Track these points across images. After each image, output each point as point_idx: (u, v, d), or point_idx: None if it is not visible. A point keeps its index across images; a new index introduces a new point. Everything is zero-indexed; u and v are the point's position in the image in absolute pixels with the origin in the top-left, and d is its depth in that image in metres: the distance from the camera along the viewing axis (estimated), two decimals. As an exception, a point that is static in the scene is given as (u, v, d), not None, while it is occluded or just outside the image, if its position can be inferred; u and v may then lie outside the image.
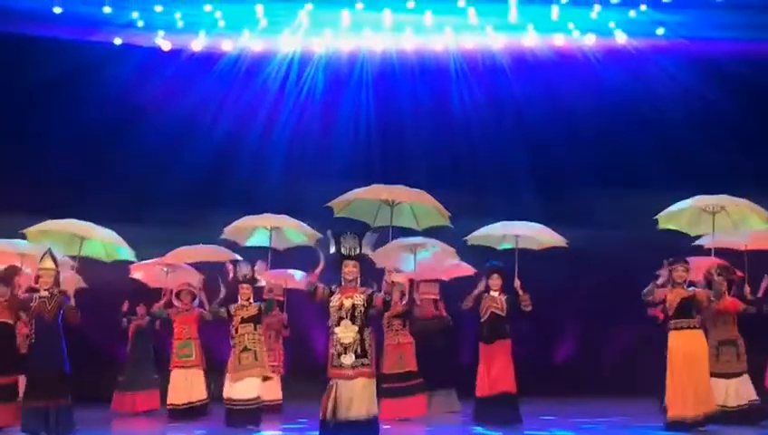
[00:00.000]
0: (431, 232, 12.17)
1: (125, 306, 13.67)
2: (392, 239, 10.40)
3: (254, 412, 11.27)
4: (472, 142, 17.30)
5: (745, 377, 11.26)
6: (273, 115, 17.57)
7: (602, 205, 16.02)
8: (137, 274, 13.54)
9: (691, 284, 10.74)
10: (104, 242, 11.78)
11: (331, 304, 9.13)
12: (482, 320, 11.68)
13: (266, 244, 12.39)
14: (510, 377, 11.57)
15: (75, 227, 11.37)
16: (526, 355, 15.33)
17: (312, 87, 17.69)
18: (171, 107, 17.05)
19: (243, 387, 11.21)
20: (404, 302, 12.10)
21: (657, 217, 11.05)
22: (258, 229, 12.52)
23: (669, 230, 11.39)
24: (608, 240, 15.10)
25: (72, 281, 11.30)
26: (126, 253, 11.97)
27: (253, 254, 12.17)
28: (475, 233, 12.03)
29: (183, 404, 12.60)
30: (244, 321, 11.31)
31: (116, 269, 12.74)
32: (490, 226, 12.07)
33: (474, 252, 12.60)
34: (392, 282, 9.23)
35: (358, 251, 9.09)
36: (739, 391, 11.14)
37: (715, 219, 10.90)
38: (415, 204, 10.89)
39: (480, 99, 17.53)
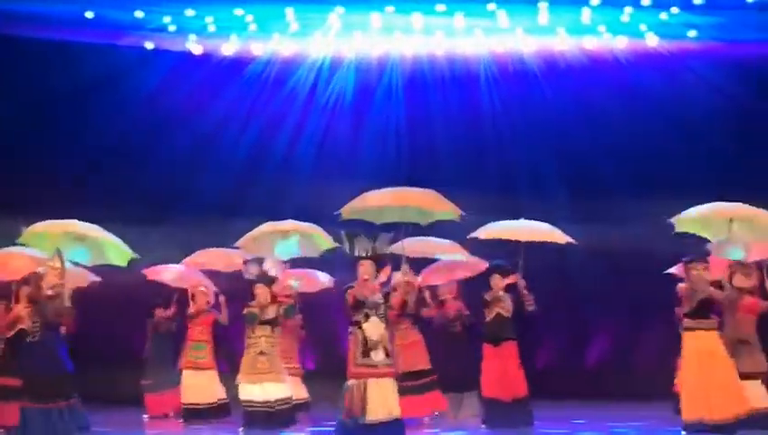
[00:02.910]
0: (446, 230, 12.00)
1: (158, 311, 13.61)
2: (404, 237, 10.22)
3: (287, 413, 11.23)
4: (503, 146, 17.16)
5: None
6: (303, 120, 17.53)
7: (633, 208, 15.84)
8: (158, 275, 13.46)
9: (715, 283, 10.48)
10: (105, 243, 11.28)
11: (354, 303, 9.21)
12: (487, 320, 11.74)
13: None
14: (522, 381, 11.61)
15: (71, 228, 11.01)
16: (556, 357, 16.31)
17: (342, 92, 17.59)
18: (202, 111, 17.09)
19: (265, 390, 11.12)
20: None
21: (673, 219, 10.83)
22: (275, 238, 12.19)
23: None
24: (640, 243, 14.97)
25: (78, 278, 11.30)
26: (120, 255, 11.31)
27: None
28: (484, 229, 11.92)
29: (203, 404, 12.55)
30: (262, 323, 11.18)
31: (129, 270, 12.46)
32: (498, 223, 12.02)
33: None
34: (408, 281, 9.36)
35: (371, 251, 9.21)
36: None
37: (731, 227, 10.51)
38: (422, 206, 10.53)
39: (511, 103, 17.32)
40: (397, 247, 9.82)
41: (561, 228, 12.20)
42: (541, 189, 16.75)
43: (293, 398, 11.53)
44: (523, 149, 17.11)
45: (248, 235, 11.94)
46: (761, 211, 10.65)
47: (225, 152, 17.05)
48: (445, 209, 10.35)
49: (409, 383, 11.83)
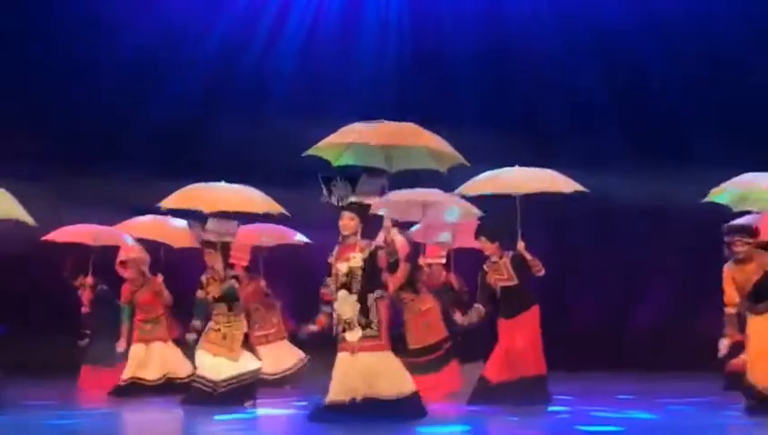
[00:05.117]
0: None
1: (68, 266, 12.61)
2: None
3: (232, 393, 10.17)
4: (535, 69, 15.24)
5: None
6: (278, 26, 15.78)
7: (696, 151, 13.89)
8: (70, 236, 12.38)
9: None
10: None
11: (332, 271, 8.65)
12: (497, 297, 10.56)
13: None
14: (534, 357, 10.31)
15: None
16: (591, 325, 15.02)
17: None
18: (145, 20, 15.20)
19: (215, 366, 10.18)
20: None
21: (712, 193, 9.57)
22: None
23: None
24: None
25: None
26: None
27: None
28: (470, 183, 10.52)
29: (153, 380, 11.71)
30: (216, 300, 10.23)
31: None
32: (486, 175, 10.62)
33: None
34: (392, 240, 8.48)
35: (352, 199, 8.61)
36: None
37: None
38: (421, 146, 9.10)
39: (541, 12, 15.38)
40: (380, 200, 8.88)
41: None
42: (584, 118, 14.98)
43: (248, 372, 10.36)
44: (561, 65, 15.32)
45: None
46: None
47: (178, 72, 15.30)
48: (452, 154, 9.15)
49: (423, 359, 10.94)
